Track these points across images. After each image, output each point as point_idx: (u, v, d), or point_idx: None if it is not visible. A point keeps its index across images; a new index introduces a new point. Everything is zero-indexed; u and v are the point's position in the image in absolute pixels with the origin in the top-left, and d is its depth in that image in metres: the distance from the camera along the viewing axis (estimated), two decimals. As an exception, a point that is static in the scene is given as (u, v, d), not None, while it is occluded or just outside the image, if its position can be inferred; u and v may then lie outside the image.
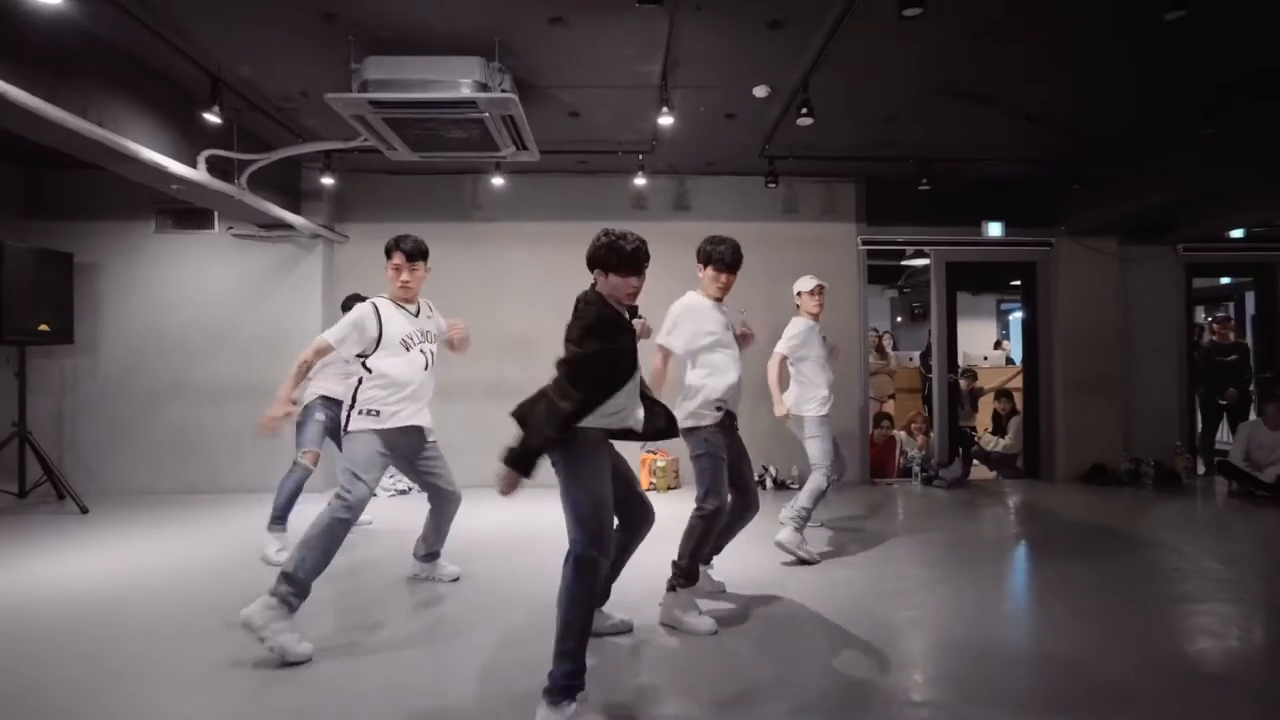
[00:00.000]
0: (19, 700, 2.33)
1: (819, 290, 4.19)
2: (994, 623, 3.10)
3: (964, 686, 2.42)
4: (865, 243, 6.76)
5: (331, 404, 4.11)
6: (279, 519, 4.03)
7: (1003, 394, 7.40)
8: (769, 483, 6.24)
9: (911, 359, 8.96)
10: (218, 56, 4.08)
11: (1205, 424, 7.34)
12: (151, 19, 3.61)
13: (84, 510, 5.25)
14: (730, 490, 3.11)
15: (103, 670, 2.56)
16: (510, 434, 2.19)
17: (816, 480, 4.03)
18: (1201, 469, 6.99)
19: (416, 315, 3.24)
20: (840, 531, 4.70)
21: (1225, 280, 8.85)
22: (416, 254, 3.20)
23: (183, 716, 2.24)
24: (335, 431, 3.93)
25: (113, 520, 5.05)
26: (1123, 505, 5.68)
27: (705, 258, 3.22)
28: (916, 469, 6.73)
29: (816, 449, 4.06)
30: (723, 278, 3.22)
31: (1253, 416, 6.73)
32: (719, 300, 3.27)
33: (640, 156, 5.81)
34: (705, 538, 3.06)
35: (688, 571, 3.03)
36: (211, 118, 4.13)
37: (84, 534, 4.68)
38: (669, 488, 6.15)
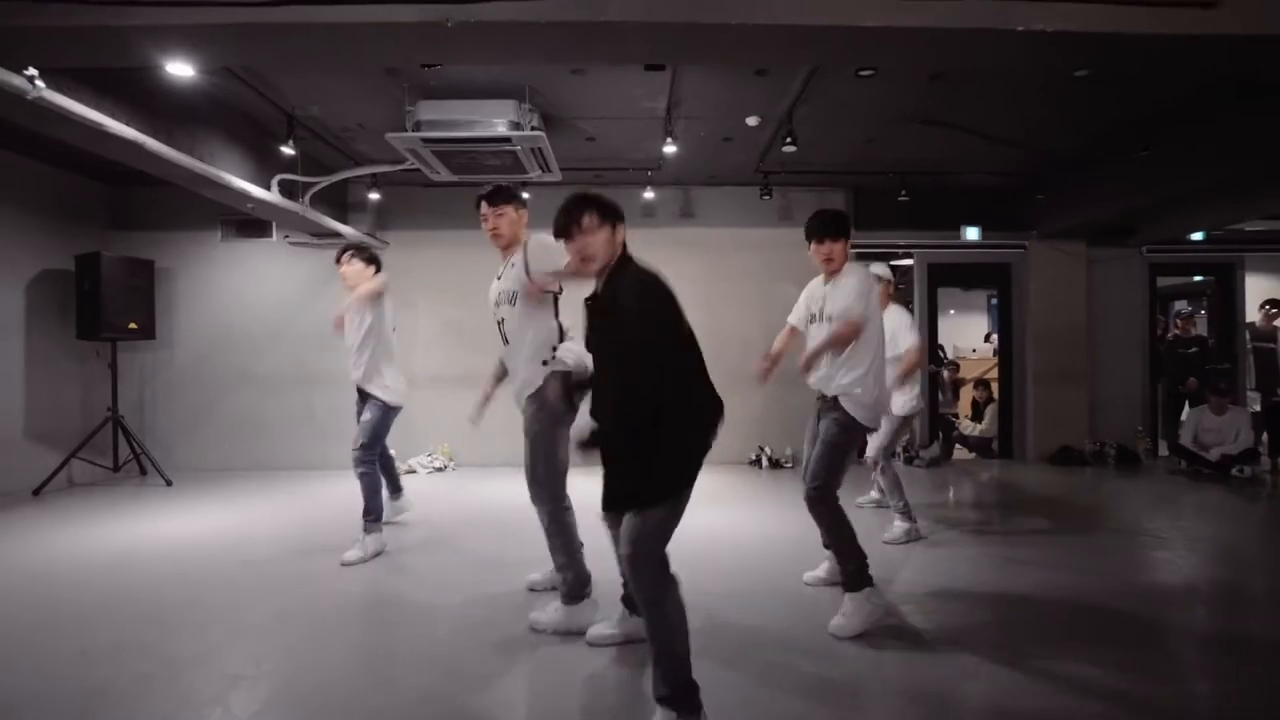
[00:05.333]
0: (131, 631, 2.96)
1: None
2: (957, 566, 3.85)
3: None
4: (854, 246, 7.44)
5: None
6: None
7: (981, 383, 8.09)
8: (764, 462, 7.00)
9: (903, 351, 9.64)
10: (293, 99, 4.86)
11: (1169, 411, 7.99)
12: (248, 75, 4.40)
13: (168, 483, 6.10)
14: None
15: (198, 609, 3.18)
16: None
17: None
18: (1164, 451, 7.65)
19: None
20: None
21: (1199, 278, 9.44)
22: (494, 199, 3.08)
23: (258, 637, 2.99)
24: None
25: (193, 492, 5.88)
26: (1081, 482, 6.38)
27: None
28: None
29: None
30: (816, 248, 3.11)
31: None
32: (827, 276, 3.16)
33: (649, 173, 6.55)
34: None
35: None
36: (287, 150, 4.92)
37: (171, 502, 5.50)
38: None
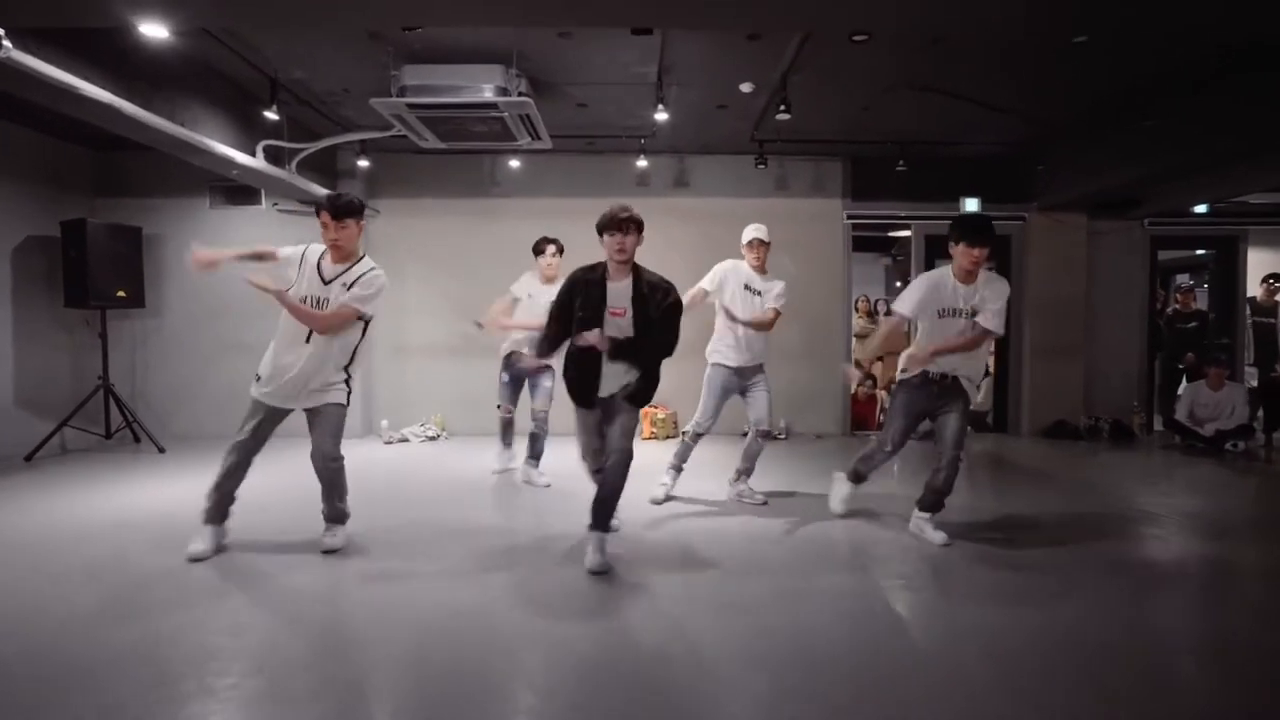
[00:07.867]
0: (131, 587, 3.09)
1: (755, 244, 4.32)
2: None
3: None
4: (850, 217, 7.36)
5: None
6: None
7: (977, 356, 8.03)
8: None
9: (901, 324, 9.56)
10: (276, 63, 4.75)
11: (1167, 386, 7.94)
12: (227, 36, 4.30)
13: (161, 450, 6.11)
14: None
15: (193, 572, 3.37)
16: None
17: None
18: (1160, 426, 7.62)
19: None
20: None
21: (1200, 252, 9.32)
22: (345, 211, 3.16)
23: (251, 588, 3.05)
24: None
25: (187, 459, 5.88)
26: (1073, 455, 6.38)
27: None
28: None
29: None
30: (966, 250, 3.28)
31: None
32: (964, 276, 3.35)
33: (642, 140, 6.44)
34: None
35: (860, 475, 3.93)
36: (270, 115, 4.82)
37: (164, 469, 5.52)
38: (668, 436, 6.91)
